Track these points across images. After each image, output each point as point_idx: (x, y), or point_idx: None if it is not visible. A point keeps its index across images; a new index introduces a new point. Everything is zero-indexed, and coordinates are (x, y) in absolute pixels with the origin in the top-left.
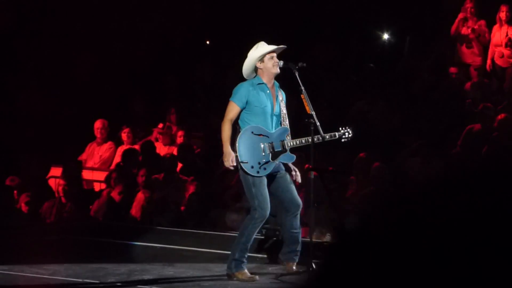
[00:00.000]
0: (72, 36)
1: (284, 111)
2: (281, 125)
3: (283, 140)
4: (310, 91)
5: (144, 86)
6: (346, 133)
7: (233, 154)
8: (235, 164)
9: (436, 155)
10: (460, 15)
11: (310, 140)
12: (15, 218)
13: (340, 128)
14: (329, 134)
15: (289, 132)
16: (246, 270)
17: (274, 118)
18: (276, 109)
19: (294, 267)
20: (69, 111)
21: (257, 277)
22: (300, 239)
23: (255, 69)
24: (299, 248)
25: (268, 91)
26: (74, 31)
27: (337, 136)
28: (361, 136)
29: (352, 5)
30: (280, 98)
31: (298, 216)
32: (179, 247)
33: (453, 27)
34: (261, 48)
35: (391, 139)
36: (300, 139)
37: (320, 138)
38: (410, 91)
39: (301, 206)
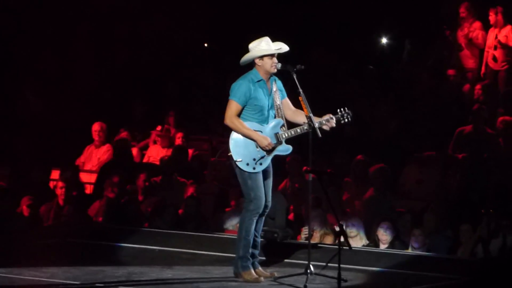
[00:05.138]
0: (71, 39)
1: (278, 102)
2: (275, 117)
3: (277, 133)
4: (309, 94)
5: (143, 89)
6: (345, 115)
7: (266, 137)
8: (273, 146)
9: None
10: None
11: (305, 128)
12: (14, 221)
13: (338, 111)
14: (325, 119)
15: (284, 123)
16: (252, 271)
17: (271, 112)
18: (271, 103)
19: (263, 272)
20: (67, 114)
21: (262, 278)
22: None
23: (253, 62)
24: (258, 251)
25: (265, 87)
26: (74, 34)
27: (334, 119)
28: (360, 139)
29: (352, 9)
30: (274, 89)
31: (264, 218)
32: (177, 249)
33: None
34: (264, 46)
35: (390, 142)
36: (295, 129)
37: (317, 125)
38: (409, 94)
39: (269, 207)
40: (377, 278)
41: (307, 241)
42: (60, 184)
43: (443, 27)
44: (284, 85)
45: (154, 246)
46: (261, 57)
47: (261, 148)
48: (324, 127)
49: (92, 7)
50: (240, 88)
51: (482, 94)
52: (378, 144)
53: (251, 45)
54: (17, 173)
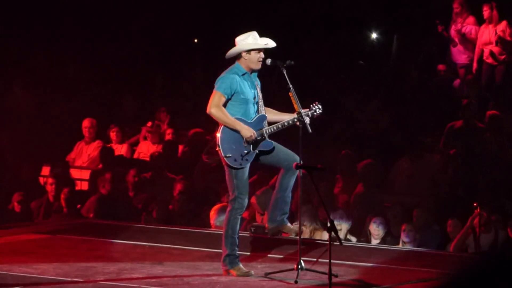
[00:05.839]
0: (60, 35)
1: (260, 95)
2: (258, 111)
3: (262, 128)
4: (299, 89)
5: (133, 85)
6: (317, 109)
7: (250, 129)
8: (257, 140)
9: (424, 155)
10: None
11: (286, 124)
12: (6, 217)
13: (311, 105)
14: (296, 117)
15: (266, 118)
16: (241, 265)
17: (255, 105)
18: (256, 97)
19: (291, 226)
20: (58, 110)
21: (252, 272)
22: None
23: (238, 56)
24: (288, 209)
25: (250, 80)
26: (63, 30)
27: (310, 115)
28: (350, 134)
29: (342, 4)
30: (256, 83)
31: (295, 175)
32: (168, 245)
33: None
34: (251, 40)
35: (381, 137)
36: (276, 124)
37: (296, 121)
38: (399, 89)
39: (298, 159)
40: (368, 273)
41: (297, 237)
42: (50, 180)
43: (436, 22)
44: (274, 81)
45: (145, 242)
46: (248, 51)
47: (245, 139)
48: (298, 123)
49: (81, 3)
50: (225, 80)
51: (469, 89)
52: (368, 139)
53: (238, 39)
54: (7, 170)
